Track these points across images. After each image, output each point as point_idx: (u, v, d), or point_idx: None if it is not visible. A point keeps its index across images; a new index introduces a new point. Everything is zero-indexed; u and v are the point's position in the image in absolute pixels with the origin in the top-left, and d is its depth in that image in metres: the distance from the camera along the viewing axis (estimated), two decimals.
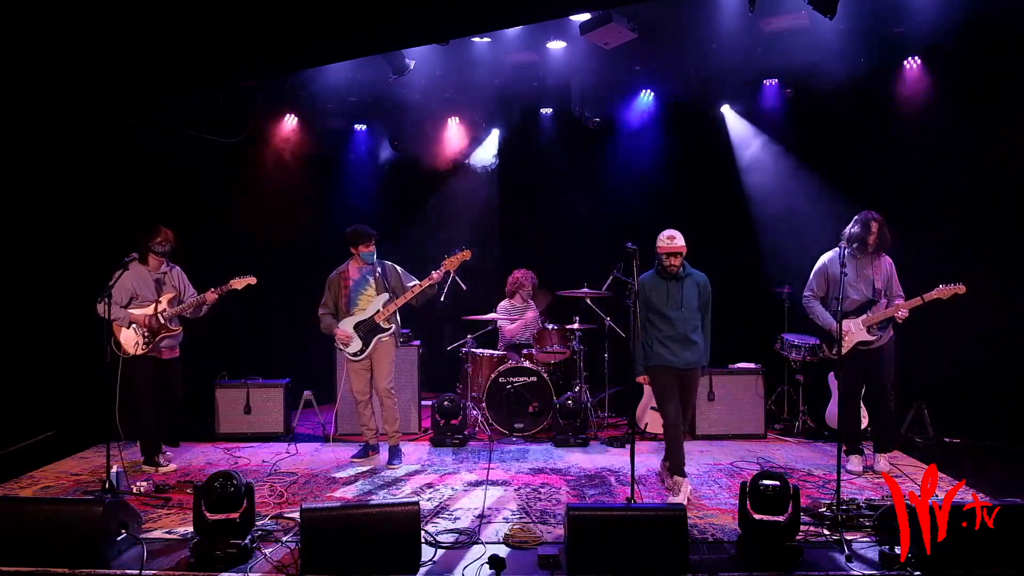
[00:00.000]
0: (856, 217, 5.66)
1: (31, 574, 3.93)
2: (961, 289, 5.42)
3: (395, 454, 6.18)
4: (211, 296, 5.90)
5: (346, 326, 6.12)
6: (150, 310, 5.83)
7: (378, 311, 6.10)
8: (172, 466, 5.99)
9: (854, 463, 5.75)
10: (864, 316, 5.66)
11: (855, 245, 5.59)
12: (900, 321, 5.60)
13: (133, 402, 5.87)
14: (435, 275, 6.03)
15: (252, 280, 5.94)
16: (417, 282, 6.11)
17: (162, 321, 5.85)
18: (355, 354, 6.13)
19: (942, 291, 5.46)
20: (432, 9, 5.54)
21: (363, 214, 8.33)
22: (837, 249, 5.57)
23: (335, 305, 6.19)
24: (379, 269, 6.23)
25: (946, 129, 6.86)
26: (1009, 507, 3.86)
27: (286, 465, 6.13)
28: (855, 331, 5.65)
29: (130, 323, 5.79)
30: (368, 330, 6.11)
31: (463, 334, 7.47)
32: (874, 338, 5.65)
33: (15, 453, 6.33)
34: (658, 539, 3.91)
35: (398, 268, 6.30)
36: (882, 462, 5.70)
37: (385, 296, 6.14)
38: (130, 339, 5.80)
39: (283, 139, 8.44)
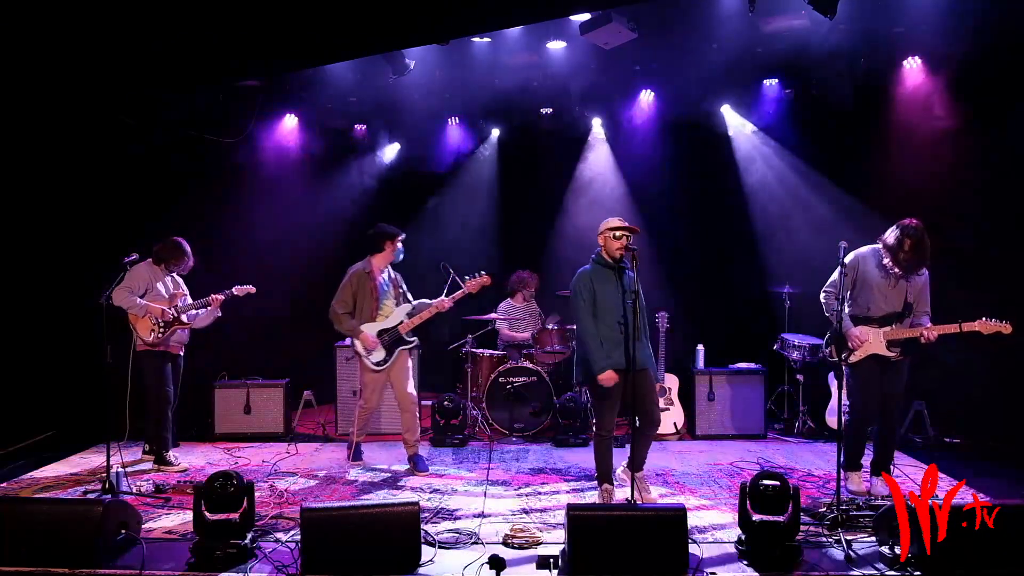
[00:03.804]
0: (895, 224, 4.95)
1: (31, 574, 3.92)
2: (1007, 328, 4.77)
3: (421, 464, 5.96)
4: (216, 298, 6.00)
5: (371, 331, 5.87)
6: (165, 303, 5.94)
7: (402, 322, 5.90)
8: (183, 464, 6.01)
9: (854, 481, 5.23)
10: (887, 329, 5.03)
11: (888, 258, 4.96)
12: (924, 343, 4.93)
13: (145, 398, 5.93)
14: (455, 296, 5.86)
15: (251, 290, 6.09)
16: (432, 302, 5.93)
17: (175, 314, 5.93)
18: (378, 363, 5.88)
19: (984, 325, 4.80)
20: (432, 9, 5.53)
21: (363, 214, 8.35)
22: (873, 247, 5.08)
23: (356, 306, 5.87)
24: (395, 275, 6.10)
25: (946, 129, 6.86)
26: (1009, 507, 3.86)
27: (286, 465, 6.13)
28: (873, 340, 5.03)
29: (146, 313, 5.85)
30: (393, 340, 5.89)
31: (463, 334, 7.47)
32: (892, 355, 5.05)
33: (15, 453, 6.33)
34: (658, 539, 3.91)
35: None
36: (879, 486, 5.15)
37: (408, 307, 5.97)
38: (146, 326, 5.87)
39: (283, 139, 8.45)
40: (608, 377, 4.79)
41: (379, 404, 6.17)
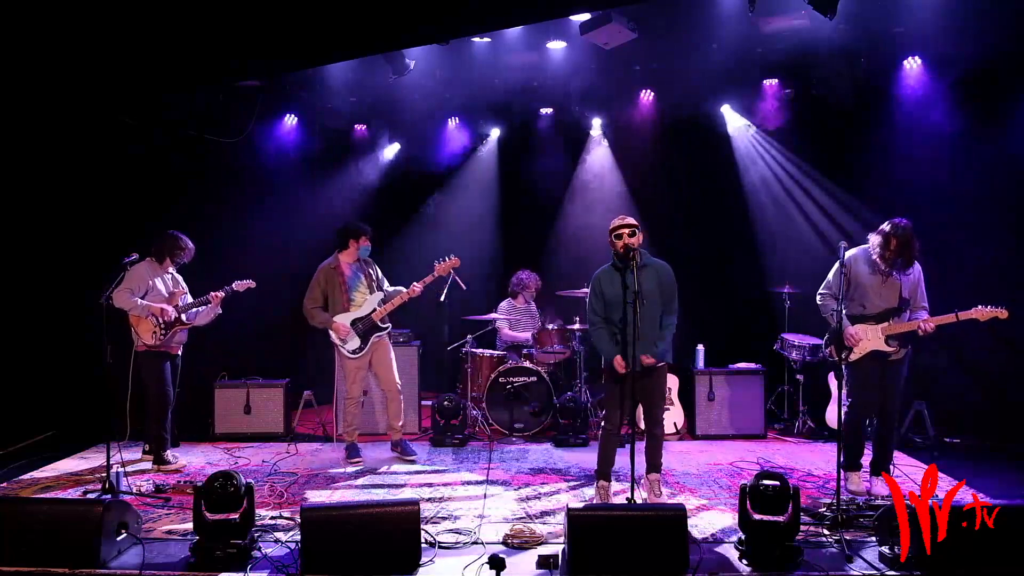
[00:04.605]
0: (885, 222, 5.04)
1: (31, 574, 3.92)
2: (1003, 314, 4.86)
3: (408, 447, 6.25)
4: (217, 296, 6.04)
5: (344, 321, 6.07)
6: (166, 302, 5.95)
7: (375, 310, 6.10)
8: (182, 461, 6.05)
9: (854, 482, 5.26)
10: (884, 324, 5.10)
11: (875, 253, 5.05)
12: (923, 335, 5.03)
13: (145, 398, 5.93)
14: (425, 280, 6.06)
15: (251, 284, 6.19)
16: (404, 290, 6.12)
17: (176, 314, 5.94)
18: (354, 351, 6.10)
19: (980, 312, 4.89)
20: (432, 9, 5.53)
21: (363, 214, 8.34)
22: (863, 248, 5.16)
23: (326, 299, 6.11)
24: (368, 266, 6.24)
25: (946, 129, 6.86)
26: (1009, 507, 3.86)
27: (286, 465, 6.13)
28: (871, 338, 5.10)
29: (147, 314, 5.85)
30: (367, 328, 6.10)
31: (463, 334, 7.47)
32: (891, 349, 5.11)
33: (15, 453, 6.33)
34: (658, 539, 3.91)
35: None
36: (879, 486, 5.19)
37: (380, 294, 6.17)
38: (148, 328, 5.87)
39: (283, 139, 8.45)
40: (618, 362, 4.82)
41: (360, 393, 6.29)
